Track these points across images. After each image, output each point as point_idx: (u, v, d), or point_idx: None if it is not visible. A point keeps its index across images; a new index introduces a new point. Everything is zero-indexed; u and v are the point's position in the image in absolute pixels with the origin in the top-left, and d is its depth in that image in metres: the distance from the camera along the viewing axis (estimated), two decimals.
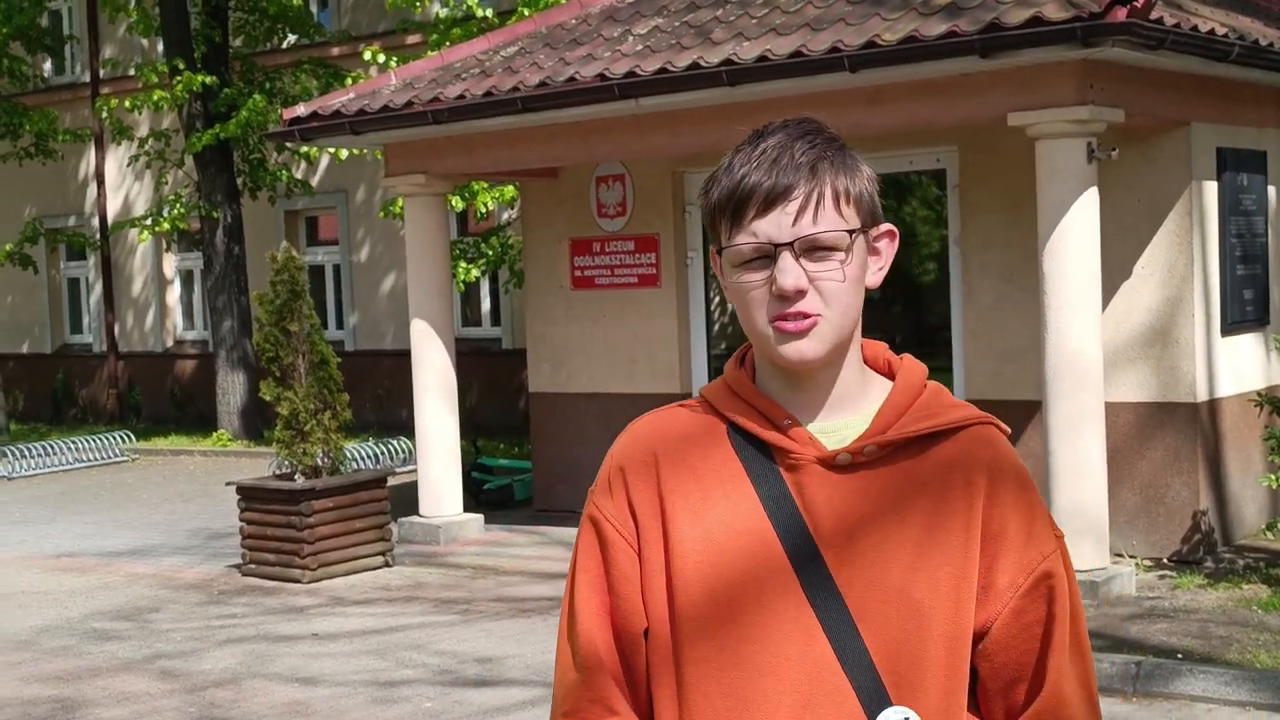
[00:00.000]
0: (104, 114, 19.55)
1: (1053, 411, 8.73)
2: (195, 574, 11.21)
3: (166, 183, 20.52)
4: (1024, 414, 10.14)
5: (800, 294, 1.84)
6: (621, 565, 1.94)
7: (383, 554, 11.00)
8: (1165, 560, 9.68)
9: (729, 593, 1.86)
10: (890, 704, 1.83)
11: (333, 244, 21.34)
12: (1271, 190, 10.70)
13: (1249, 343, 10.34)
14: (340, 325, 21.02)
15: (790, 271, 1.83)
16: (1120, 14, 7.97)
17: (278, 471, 11.26)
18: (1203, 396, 9.76)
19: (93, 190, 23.87)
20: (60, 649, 8.98)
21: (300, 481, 10.73)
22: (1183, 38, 8.45)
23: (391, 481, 11.49)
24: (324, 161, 20.48)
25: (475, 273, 16.34)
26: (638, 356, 12.19)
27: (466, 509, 12.18)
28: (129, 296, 23.65)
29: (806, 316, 1.85)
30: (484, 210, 15.87)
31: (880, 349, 2.03)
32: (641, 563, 1.93)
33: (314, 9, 21.15)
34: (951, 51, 8.54)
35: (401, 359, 16.76)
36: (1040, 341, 8.84)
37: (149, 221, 19.47)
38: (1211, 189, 9.89)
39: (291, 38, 20.66)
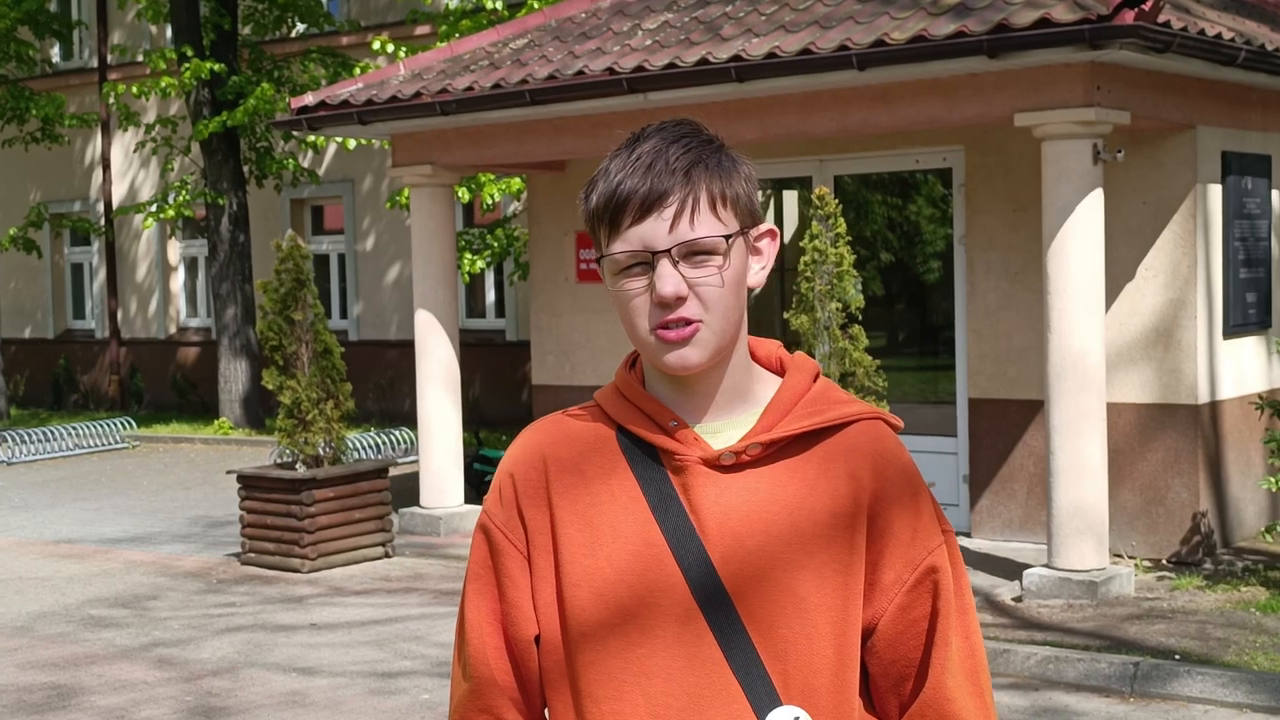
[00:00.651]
0: (111, 100, 19.56)
1: (1055, 411, 8.73)
2: (194, 562, 11.23)
3: (172, 169, 20.53)
4: (1026, 413, 10.15)
5: (680, 300, 1.83)
6: (512, 573, 1.95)
7: (383, 544, 11.01)
8: (1164, 561, 9.69)
9: (617, 597, 1.87)
10: (780, 704, 1.83)
11: (338, 233, 21.36)
12: (1276, 194, 10.70)
13: (1251, 346, 10.34)
14: (344, 315, 21.03)
15: (669, 278, 1.82)
16: (1128, 16, 7.98)
17: (279, 460, 11.27)
18: (1204, 399, 9.77)
19: (98, 176, 23.88)
20: (57, 635, 9.00)
21: (301, 471, 10.74)
22: (1189, 41, 8.46)
23: (393, 472, 11.50)
24: (331, 150, 20.49)
25: (480, 264, 16.36)
26: None
27: (468, 501, 12.19)
28: (133, 283, 23.66)
29: (688, 323, 1.84)
30: (490, 202, 15.88)
31: (772, 348, 2.03)
32: (531, 569, 1.94)
33: None
34: (960, 51, 8.54)
35: (405, 349, 16.80)
36: (1043, 341, 8.85)
37: (154, 208, 19.48)
38: (1216, 192, 9.89)
39: (300, 27, 20.67)
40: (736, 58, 9.30)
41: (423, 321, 11.77)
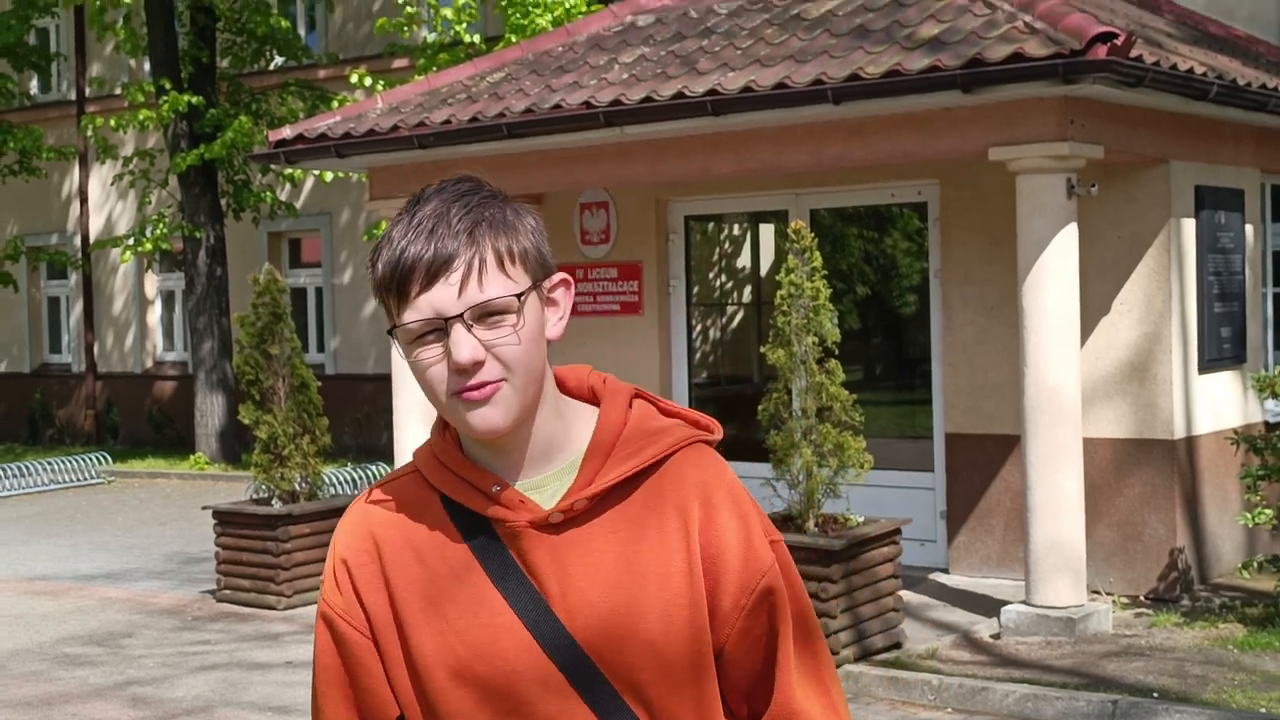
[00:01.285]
0: (89, 132, 19.53)
1: (1031, 446, 8.73)
2: (169, 599, 11.15)
3: (150, 202, 20.49)
4: (1003, 448, 10.15)
5: (478, 365, 1.81)
6: (362, 659, 1.94)
7: None
8: (1142, 598, 9.68)
9: (477, 676, 1.86)
10: None
11: (316, 266, 21.32)
12: (1249, 229, 10.75)
13: (1226, 380, 10.36)
14: (321, 348, 20.98)
15: (464, 343, 1.80)
16: (1101, 51, 8.01)
17: (255, 496, 11.21)
18: (1180, 434, 9.77)
19: (76, 208, 23.82)
20: (31, 673, 8.91)
21: (277, 506, 10.68)
22: (1162, 76, 8.50)
23: None
24: (308, 184, 20.47)
25: None
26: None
27: None
28: (109, 316, 23.58)
29: (487, 384, 1.82)
30: None
31: (583, 375, 2.01)
32: (381, 654, 1.93)
33: (301, 31, 21.19)
34: (934, 86, 8.57)
35: (382, 383, 16.74)
36: (1019, 376, 8.85)
37: (131, 241, 19.43)
38: (1190, 226, 9.93)
39: (278, 60, 20.68)
40: (712, 91, 9.31)
41: (400, 355, 11.71)
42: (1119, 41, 8.02)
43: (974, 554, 10.41)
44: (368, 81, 16.26)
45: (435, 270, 1.80)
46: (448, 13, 16.01)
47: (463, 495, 1.91)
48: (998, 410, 10.20)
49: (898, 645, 8.51)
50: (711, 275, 12.62)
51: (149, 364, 23.23)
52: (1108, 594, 9.64)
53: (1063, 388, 8.68)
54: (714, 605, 1.89)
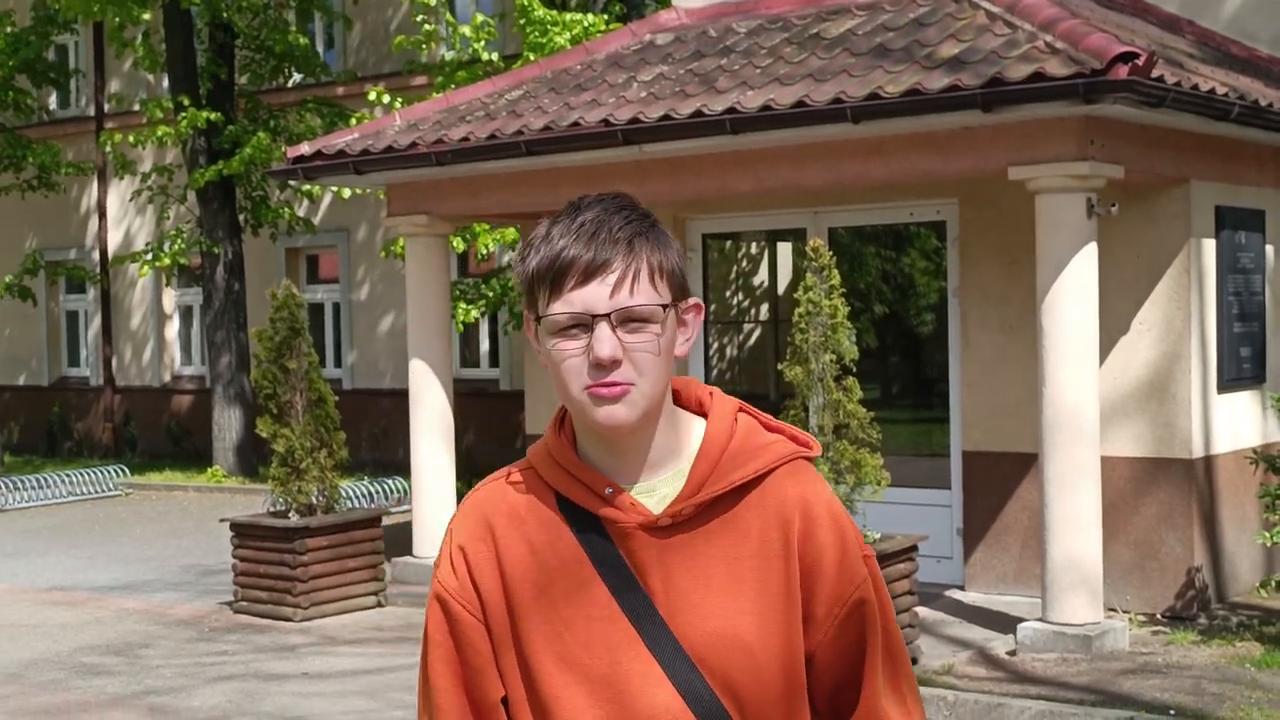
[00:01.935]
0: (108, 148, 19.62)
1: (1049, 465, 8.73)
2: (187, 610, 11.18)
3: (168, 218, 20.58)
4: (1020, 466, 10.15)
5: (615, 363, 1.92)
6: (472, 640, 2.05)
7: (375, 594, 10.97)
8: (1159, 616, 9.66)
9: (579, 659, 1.98)
10: None
11: (333, 282, 21.39)
12: (1269, 249, 10.75)
13: (1245, 400, 10.36)
14: (338, 363, 21.03)
15: (607, 341, 1.91)
16: (1122, 71, 8.03)
17: (272, 509, 11.24)
18: (1199, 453, 9.77)
19: (94, 223, 23.93)
20: (49, 683, 8.95)
21: (294, 519, 10.71)
22: (1183, 96, 8.51)
23: (386, 521, 11.48)
24: (326, 200, 20.55)
25: (475, 314, 16.38)
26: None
27: None
28: (127, 330, 23.66)
29: (620, 384, 1.93)
30: (485, 252, 15.92)
31: (693, 388, 2.11)
32: (491, 637, 2.04)
33: (320, 49, 21.28)
34: (954, 105, 8.59)
35: (399, 398, 16.76)
36: (1037, 395, 8.86)
37: (150, 256, 19.51)
38: (1210, 247, 9.93)
39: (297, 77, 20.77)
40: (731, 110, 9.35)
41: (417, 370, 11.77)
42: (1140, 62, 8.03)
43: (990, 571, 10.40)
44: (386, 99, 16.33)
45: (592, 270, 1.93)
46: (466, 31, 16.08)
47: (577, 494, 2.02)
48: (1015, 429, 10.20)
49: (914, 661, 8.51)
50: (729, 293, 12.65)
51: (167, 378, 23.31)
52: (1124, 612, 9.63)
53: (1081, 406, 8.69)
54: (808, 613, 2.02)
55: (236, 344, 19.52)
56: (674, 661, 1.96)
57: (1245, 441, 10.21)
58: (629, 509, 1.99)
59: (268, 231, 20.26)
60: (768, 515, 2.01)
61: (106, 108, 23.41)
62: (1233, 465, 10.06)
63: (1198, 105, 8.78)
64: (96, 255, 23.68)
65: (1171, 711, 7.40)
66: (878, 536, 8.58)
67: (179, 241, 19.47)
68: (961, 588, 10.50)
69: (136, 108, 21.47)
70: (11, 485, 18.22)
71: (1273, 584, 9.33)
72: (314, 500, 10.86)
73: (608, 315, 1.92)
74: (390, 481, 16.46)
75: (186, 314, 23.29)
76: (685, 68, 10.64)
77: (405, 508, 14.29)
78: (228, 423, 19.57)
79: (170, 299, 23.36)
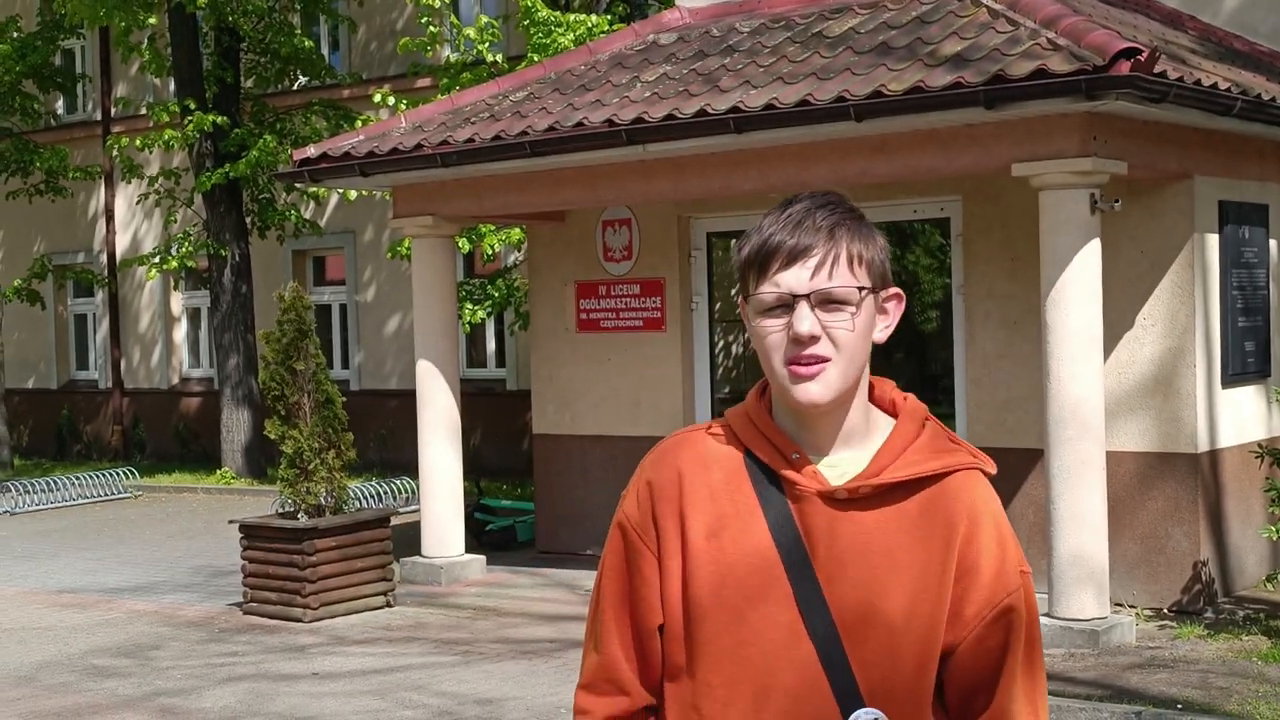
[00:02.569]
0: (115, 152, 19.69)
1: (1054, 460, 8.76)
2: (197, 612, 11.22)
3: (175, 221, 20.64)
4: (1026, 462, 10.17)
5: (814, 340, 2.09)
6: (643, 569, 2.22)
7: (384, 594, 11.01)
8: (1165, 610, 9.69)
9: (734, 601, 2.13)
10: (863, 704, 2.10)
11: (339, 284, 21.44)
12: (1273, 243, 10.76)
13: (1250, 394, 10.38)
14: (345, 365, 21.09)
15: (806, 319, 2.08)
16: (1124, 68, 8.05)
17: (281, 510, 11.28)
18: (1204, 447, 9.79)
19: (102, 227, 23.99)
20: (60, 685, 8.99)
21: (303, 520, 10.75)
22: (1186, 91, 8.53)
23: (394, 521, 11.51)
24: (332, 202, 20.60)
25: (481, 314, 16.42)
26: (642, 399, 12.23)
27: (469, 550, 12.19)
28: (135, 333, 23.73)
29: (818, 361, 2.09)
30: (491, 252, 15.96)
31: (888, 388, 2.26)
32: (661, 569, 2.20)
33: (325, 51, 21.32)
34: (957, 102, 8.62)
35: (406, 399, 16.82)
36: (1042, 390, 8.88)
37: (157, 259, 19.57)
38: (1213, 241, 9.95)
39: (302, 79, 20.81)
40: (735, 109, 9.38)
41: (424, 371, 11.81)
42: (1142, 58, 8.05)
43: None
44: (391, 101, 16.38)
45: (795, 255, 2.10)
46: (470, 32, 16.12)
47: (765, 453, 2.19)
48: (1020, 424, 10.23)
49: None
50: (733, 291, 12.68)
51: (175, 380, 23.37)
52: (1131, 606, 9.65)
53: (1086, 402, 8.71)
54: (957, 610, 2.15)
55: (244, 346, 19.57)
56: (819, 623, 2.10)
57: (1250, 435, 10.23)
58: (810, 476, 2.15)
59: (274, 234, 20.31)
60: (936, 514, 2.15)
61: (113, 112, 23.47)
62: (1238, 459, 10.08)
63: (1200, 100, 8.80)
64: (104, 259, 23.75)
65: (1179, 705, 7.42)
66: None
67: (186, 244, 19.54)
68: None
69: (143, 112, 21.53)
70: (21, 488, 18.28)
71: (1278, 578, 9.34)
72: (322, 501, 10.90)
73: (807, 295, 2.08)
74: (398, 482, 16.50)
75: (194, 316, 23.35)
76: (689, 67, 10.67)
77: (413, 508, 14.33)
78: (236, 424, 19.63)
79: (178, 302, 23.43)
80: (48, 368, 24.93)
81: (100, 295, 24.04)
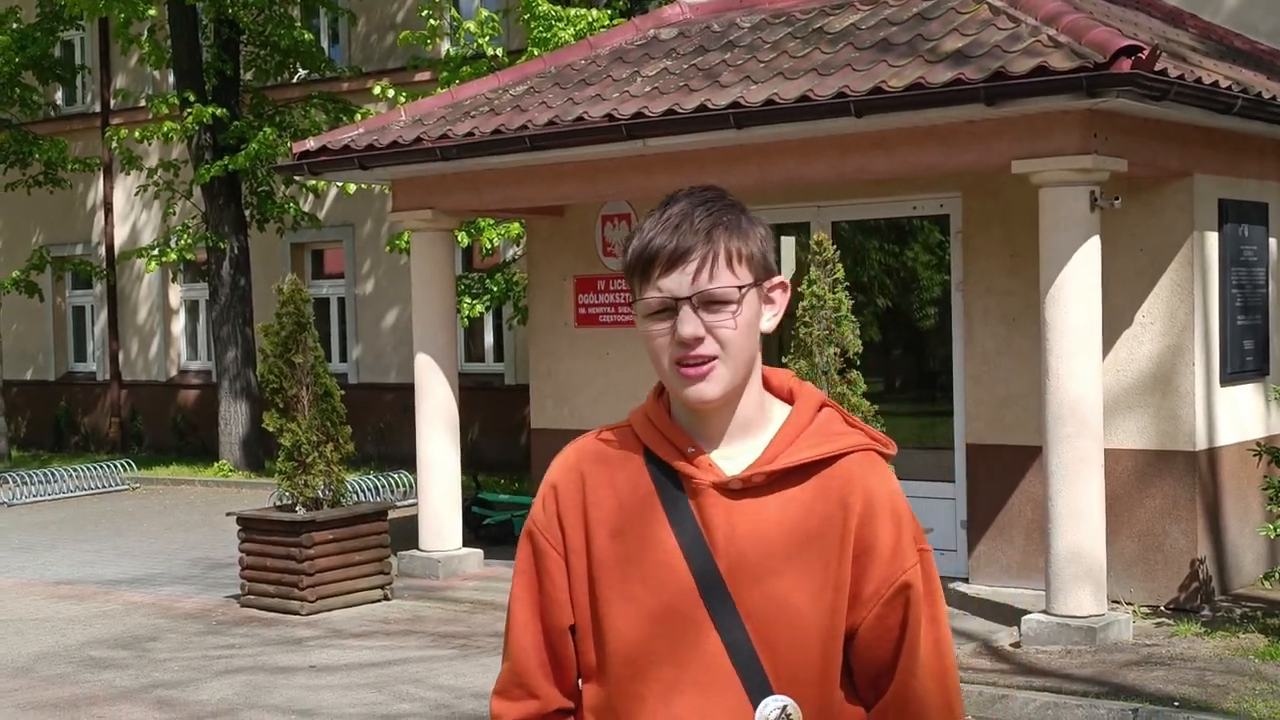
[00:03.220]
0: (114, 144, 19.68)
1: (1053, 457, 8.76)
2: (194, 604, 11.23)
3: (174, 213, 20.64)
4: (1024, 458, 10.18)
5: (698, 341, 2.13)
6: (550, 571, 2.27)
7: (382, 587, 11.02)
8: (1163, 608, 9.69)
9: (641, 597, 2.18)
10: (772, 692, 2.13)
11: (338, 277, 21.43)
12: (1273, 242, 10.76)
13: (1249, 393, 10.38)
14: (344, 358, 21.08)
15: (689, 322, 2.13)
16: (1125, 65, 8.05)
17: (278, 503, 11.28)
18: (1202, 445, 9.79)
19: (100, 219, 23.98)
20: (57, 676, 9.00)
21: (301, 513, 10.75)
22: (1186, 89, 8.53)
23: (392, 515, 11.52)
24: (331, 195, 20.58)
25: (479, 308, 16.41)
26: (640, 394, 12.08)
27: (466, 543, 12.20)
28: (134, 325, 23.72)
29: (704, 361, 2.13)
30: (489, 247, 15.95)
31: (785, 377, 2.31)
32: (568, 569, 2.25)
33: (325, 44, 21.31)
34: (957, 99, 8.61)
35: (404, 392, 16.83)
36: (1041, 388, 8.88)
37: (156, 251, 19.57)
38: (1213, 239, 9.95)
39: (302, 72, 20.81)
40: (735, 104, 9.37)
41: (422, 365, 11.81)
42: (1143, 55, 8.05)
43: (994, 563, 10.44)
44: (390, 94, 16.36)
45: (675, 259, 2.14)
46: (470, 26, 16.10)
47: (662, 450, 2.23)
48: (1018, 421, 10.23)
49: None
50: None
51: (173, 372, 23.37)
52: (1128, 604, 9.66)
53: (1084, 399, 8.71)
54: (856, 590, 2.18)
55: (242, 339, 19.57)
56: (724, 615, 2.13)
57: (1249, 434, 10.23)
58: (706, 468, 2.19)
59: (273, 227, 20.31)
60: (832, 496, 2.18)
61: (112, 104, 23.46)
62: (1236, 458, 10.09)
63: (1201, 99, 8.80)
64: (103, 251, 23.74)
65: (1176, 703, 7.43)
66: None
67: (185, 237, 19.52)
68: (966, 580, 10.53)
69: (142, 103, 21.51)
70: (19, 480, 18.28)
71: (1276, 576, 9.35)
72: (320, 494, 10.90)
73: (689, 298, 2.12)
74: (396, 475, 16.50)
75: (193, 309, 23.34)
76: (689, 62, 10.66)
77: (411, 501, 14.33)
78: (234, 417, 19.63)
79: (176, 294, 23.42)
80: (46, 359, 24.92)
81: (99, 287, 24.03)
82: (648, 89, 10.31)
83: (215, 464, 19.64)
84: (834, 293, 8.65)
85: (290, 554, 10.62)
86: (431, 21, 16.45)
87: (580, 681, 2.28)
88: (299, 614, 10.51)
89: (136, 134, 19.14)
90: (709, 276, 2.13)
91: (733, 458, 2.20)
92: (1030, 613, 8.97)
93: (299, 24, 20.03)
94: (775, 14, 11.07)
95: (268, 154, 18.04)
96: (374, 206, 20.12)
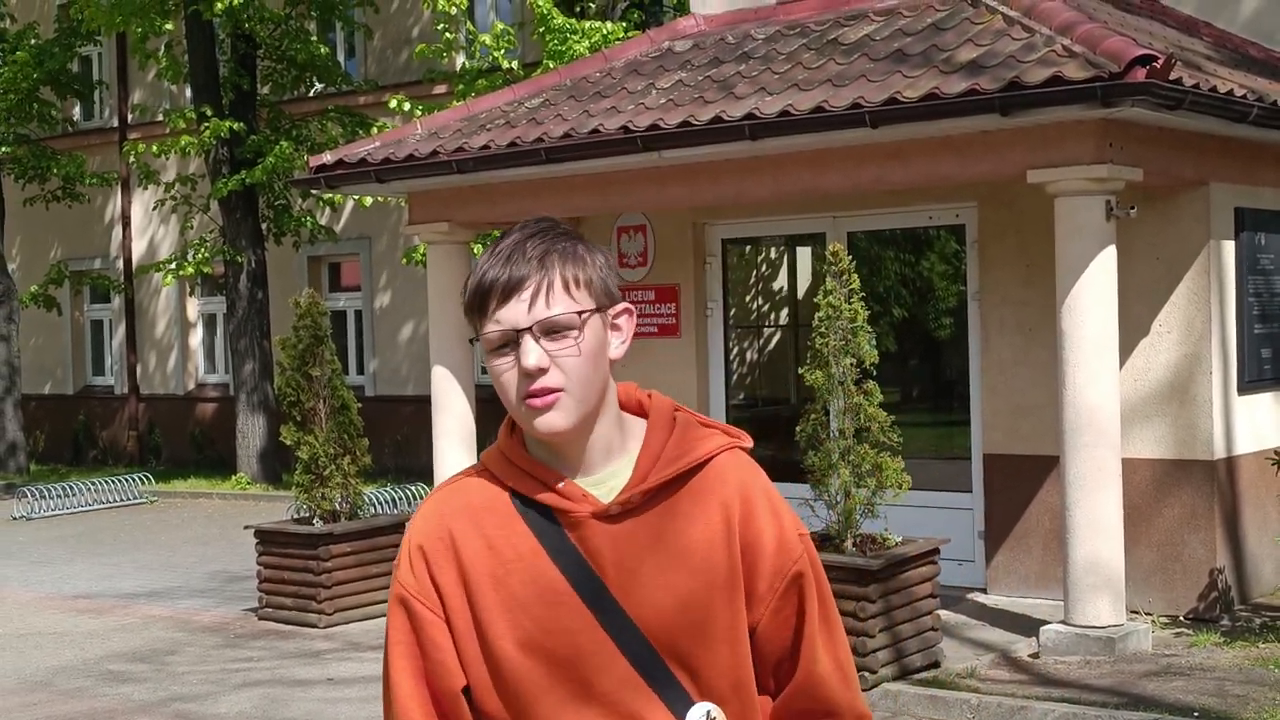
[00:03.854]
0: (131, 158, 19.78)
1: (1070, 467, 8.74)
2: (212, 617, 11.25)
3: (191, 227, 20.71)
4: (1041, 468, 10.16)
5: (541, 371, 2.09)
6: (433, 636, 2.17)
7: None
8: (1182, 618, 9.66)
9: (540, 641, 2.12)
10: (693, 702, 2.13)
11: (355, 290, 21.48)
12: None
13: (1266, 401, 10.35)
14: (361, 371, 21.12)
15: (531, 352, 2.08)
16: (1140, 74, 8.04)
17: (296, 515, 11.31)
18: (1220, 454, 9.77)
19: (118, 233, 24.08)
20: (76, 690, 9.02)
21: (319, 526, 10.78)
22: (1202, 98, 8.52)
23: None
24: (348, 208, 20.64)
25: None
26: None
27: None
28: (151, 339, 23.80)
29: (550, 391, 2.09)
30: None
31: (630, 390, 2.27)
32: (452, 630, 2.16)
33: (341, 58, 21.38)
34: (972, 109, 8.61)
35: (421, 405, 16.82)
36: (1058, 397, 8.87)
37: (173, 265, 19.64)
38: (1230, 248, 9.93)
39: (318, 86, 20.88)
40: (750, 116, 9.38)
41: (439, 377, 11.83)
42: (1158, 64, 8.04)
43: (1012, 574, 10.41)
44: (406, 107, 16.41)
45: (509, 290, 2.10)
46: (486, 39, 16.15)
47: (529, 488, 2.17)
48: (1035, 431, 10.21)
49: (936, 664, 8.53)
50: (748, 298, 12.68)
51: (191, 386, 23.44)
52: (1147, 614, 9.63)
53: (1102, 408, 8.70)
54: (751, 588, 2.18)
55: (260, 352, 19.62)
56: (628, 639, 2.11)
57: (1267, 442, 10.20)
58: (580, 499, 2.14)
59: (290, 240, 20.37)
60: (710, 501, 2.17)
61: (130, 118, 23.56)
62: (1254, 466, 10.05)
63: (1216, 107, 8.78)
64: (121, 265, 23.84)
65: (1195, 714, 7.41)
66: (899, 540, 8.60)
67: (202, 250, 19.60)
68: (984, 590, 10.51)
69: (160, 118, 21.62)
70: (38, 494, 18.34)
71: None
72: (338, 507, 10.92)
73: (529, 328, 2.08)
74: (413, 487, 16.52)
75: (210, 322, 23.41)
76: (704, 74, 10.68)
77: None
78: (251, 430, 19.68)
79: (194, 307, 23.50)
80: (64, 373, 25.01)
81: (116, 301, 24.12)
82: (662, 101, 10.32)
83: (233, 477, 19.69)
84: (850, 303, 8.64)
85: (308, 567, 10.65)
86: (447, 35, 16.50)
87: None
88: (317, 627, 10.53)
89: (154, 148, 19.23)
90: (546, 304, 2.09)
91: (602, 483, 2.16)
92: (1049, 623, 8.95)
93: (315, 38, 20.11)
94: (790, 25, 11.08)
95: (284, 168, 18.10)
96: (390, 219, 20.17)
